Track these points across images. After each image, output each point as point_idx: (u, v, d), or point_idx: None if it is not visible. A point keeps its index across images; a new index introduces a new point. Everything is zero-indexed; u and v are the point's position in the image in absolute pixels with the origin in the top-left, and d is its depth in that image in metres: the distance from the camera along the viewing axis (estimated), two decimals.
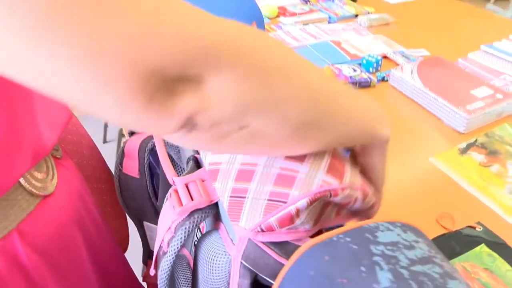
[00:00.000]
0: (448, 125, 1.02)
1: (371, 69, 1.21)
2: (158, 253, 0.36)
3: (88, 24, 0.21)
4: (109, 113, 0.25)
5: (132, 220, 0.55)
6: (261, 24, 0.78)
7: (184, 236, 0.34)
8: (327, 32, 1.46)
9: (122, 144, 0.50)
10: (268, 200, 0.32)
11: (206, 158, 0.37)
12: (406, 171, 0.88)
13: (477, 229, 0.75)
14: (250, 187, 0.33)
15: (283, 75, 0.28)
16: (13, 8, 0.19)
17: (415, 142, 0.97)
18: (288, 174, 0.34)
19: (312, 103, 0.31)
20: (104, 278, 0.54)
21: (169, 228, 0.34)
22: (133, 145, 0.50)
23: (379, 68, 1.23)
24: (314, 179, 0.33)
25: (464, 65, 1.28)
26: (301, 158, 0.34)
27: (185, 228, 0.34)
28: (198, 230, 0.43)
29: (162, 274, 0.36)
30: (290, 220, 0.31)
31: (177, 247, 0.34)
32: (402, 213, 0.78)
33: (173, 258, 0.34)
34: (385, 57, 1.30)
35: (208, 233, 0.39)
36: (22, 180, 0.44)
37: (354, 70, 1.17)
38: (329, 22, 1.58)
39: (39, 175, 0.47)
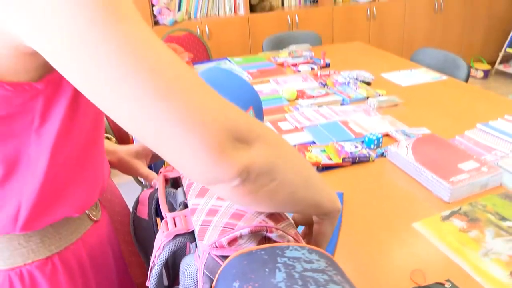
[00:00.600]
0: (436, 196, 1.14)
1: (372, 146, 1.37)
2: (151, 267, 0.52)
3: (195, 101, 0.38)
4: (192, 162, 0.39)
5: (140, 254, 0.72)
6: (258, 109, 0.98)
7: (169, 253, 0.50)
8: (338, 113, 1.65)
9: (138, 195, 0.69)
10: (223, 227, 0.48)
11: (190, 201, 0.55)
12: (390, 233, 1.01)
13: (446, 285, 0.86)
14: (213, 219, 0.50)
15: (288, 152, 0.48)
16: (138, 82, 0.36)
17: (403, 209, 1.10)
18: (240, 213, 0.50)
19: (303, 176, 0.50)
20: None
21: (159, 247, 0.51)
22: (145, 194, 0.69)
23: (380, 145, 1.38)
24: (257, 218, 0.50)
25: (460, 141, 1.41)
26: None
27: (170, 247, 0.50)
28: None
29: (152, 281, 0.52)
30: (235, 240, 0.47)
31: (163, 260, 0.50)
32: (375, 266, 0.90)
33: (159, 268, 0.50)
34: (387, 135, 1.46)
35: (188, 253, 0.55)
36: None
37: (356, 147, 1.34)
38: (342, 104, 1.77)
39: (94, 207, 0.70)
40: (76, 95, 0.54)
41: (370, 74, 2.08)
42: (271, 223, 0.50)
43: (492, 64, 4.55)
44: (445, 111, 1.67)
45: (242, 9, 3.73)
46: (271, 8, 3.81)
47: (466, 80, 2.15)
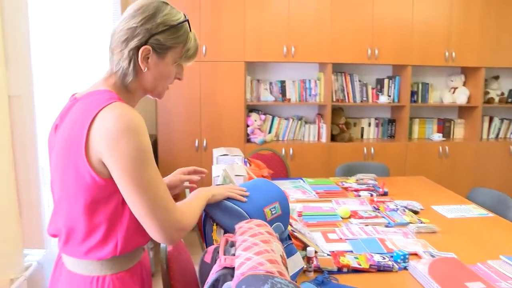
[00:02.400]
0: None
1: (399, 260, 1.66)
2: (206, 283, 0.92)
3: (162, 213, 1.04)
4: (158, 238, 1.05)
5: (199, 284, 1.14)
6: (283, 202, 1.42)
7: (218, 276, 0.90)
8: (379, 232, 1.97)
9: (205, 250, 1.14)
10: (254, 265, 0.89)
11: (237, 253, 0.96)
12: None
13: None
14: (246, 264, 0.91)
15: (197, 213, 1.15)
16: (143, 198, 1.03)
17: None
18: (272, 259, 0.91)
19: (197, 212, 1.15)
20: None
21: (213, 273, 0.91)
22: (210, 248, 1.11)
23: (406, 260, 1.67)
24: (277, 265, 0.90)
25: (480, 268, 1.64)
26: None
27: (218, 273, 0.90)
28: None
29: None
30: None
31: (213, 279, 0.90)
32: None
33: (209, 285, 0.90)
34: (416, 254, 1.75)
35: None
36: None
37: (383, 258, 1.65)
38: (386, 226, 2.09)
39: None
40: None
41: (420, 204, 2.39)
42: (279, 269, 0.89)
43: None
44: (476, 241, 1.90)
45: (324, 137, 4.27)
46: (350, 139, 4.31)
47: None
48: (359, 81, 4.41)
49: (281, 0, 3.95)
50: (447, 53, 4.20)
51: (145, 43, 1.08)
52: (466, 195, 2.80)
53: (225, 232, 1.33)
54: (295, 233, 1.71)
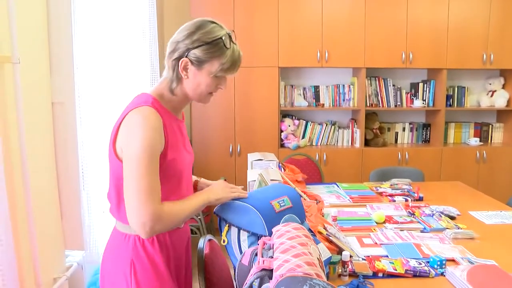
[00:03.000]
0: None
1: (435, 266, 1.65)
2: (244, 284, 0.96)
3: (144, 209, 1.21)
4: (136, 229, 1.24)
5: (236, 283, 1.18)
6: (294, 198, 1.53)
7: (256, 277, 0.93)
8: (415, 237, 1.96)
9: (243, 251, 1.17)
10: (292, 267, 0.92)
11: (275, 255, 1.00)
12: None
13: None
14: (285, 266, 0.94)
15: (183, 216, 1.31)
16: (135, 183, 1.22)
17: None
18: (310, 261, 0.94)
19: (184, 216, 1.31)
20: None
21: (251, 274, 0.94)
22: (248, 250, 1.15)
23: (443, 266, 1.65)
24: (314, 267, 0.93)
25: None
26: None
27: (257, 275, 0.93)
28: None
29: None
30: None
31: (251, 281, 0.93)
32: None
33: (247, 287, 0.93)
34: (453, 260, 1.73)
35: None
36: None
37: (420, 264, 1.64)
38: (421, 231, 2.07)
39: None
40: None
41: (456, 210, 2.35)
42: (316, 271, 0.92)
43: None
44: None
45: (358, 142, 4.25)
46: (384, 144, 4.27)
47: None
48: (393, 85, 4.37)
49: (315, 5, 3.98)
50: (485, 56, 4.10)
51: (185, 55, 1.29)
52: (506, 201, 2.73)
53: (239, 230, 1.43)
54: (330, 237, 1.72)
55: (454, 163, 4.21)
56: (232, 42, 1.33)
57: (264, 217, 1.37)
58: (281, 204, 1.44)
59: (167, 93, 1.35)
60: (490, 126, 4.46)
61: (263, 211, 1.39)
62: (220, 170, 4.07)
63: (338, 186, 2.99)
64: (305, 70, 4.43)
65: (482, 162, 4.21)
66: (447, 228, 2.07)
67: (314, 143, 4.41)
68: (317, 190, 2.86)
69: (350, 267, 1.61)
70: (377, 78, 4.32)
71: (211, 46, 1.28)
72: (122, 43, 2.74)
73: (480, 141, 4.36)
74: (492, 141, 4.48)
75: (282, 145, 4.22)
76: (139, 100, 1.30)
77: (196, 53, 1.28)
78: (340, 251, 1.69)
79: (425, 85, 4.35)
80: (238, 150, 4.09)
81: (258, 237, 1.34)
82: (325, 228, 1.79)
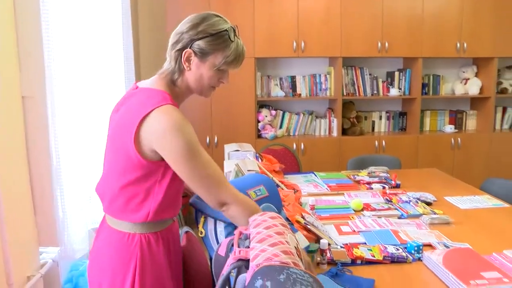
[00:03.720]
0: None
1: (412, 251, 1.66)
2: (221, 276, 0.94)
3: (212, 186, 1.25)
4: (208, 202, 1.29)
5: (213, 276, 1.16)
6: (270, 186, 1.55)
7: (232, 268, 0.91)
8: (392, 224, 1.97)
9: (220, 242, 1.15)
10: (269, 256, 0.90)
11: (251, 245, 0.97)
12: None
13: None
14: (262, 255, 0.92)
15: (246, 207, 1.29)
16: (198, 179, 1.25)
17: None
18: (287, 250, 0.92)
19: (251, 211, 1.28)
20: None
21: (227, 265, 0.92)
22: (225, 241, 1.13)
23: (420, 252, 1.67)
24: (291, 256, 0.91)
25: (496, 257, 1.63)
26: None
27: (233, 265, 0.91)
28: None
29: (220, 283, 0.93)
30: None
31: (228, 272, 0.91)
32: None
33: (225, 276, 0.91)
34: (430, 245, 1.74)
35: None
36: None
37: (397, 250, 1.65)
38: (399, 218, 2.09)
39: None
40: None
41: (432, 196, 2.38)
42: (294, 260, 0.90)
43: None
44: (491, 232, 1.89)
45: (335, 131, 4.26)
46: (361, 133, 4.29)
47: None
48: (370, 74, 4.39)
49: None
50: (458, 44, 4.16)
51: (188, 46, 1.28)
52: (479, 186, 2.78)
53: (215, 221, 1.44)
54: (308, 226, 1.72)
55: (430, 151, 4.27)
56: (236, 36, 1.33)
57: None
58: (257, 193, 1.43)
59: (172, 86, 1.34)
60: (465, 113, 4.54)
61: None
62: None
63: (315, 175, 2.99)
64: (282, 61, 4.41)
65: (457, 149, 4.28)
66: (424, 214, 2.09)
67: (291, 133, 4.40)
68: (295, 179, 2.85)
69: (328, 255, 1.61)
70: (353, 68, 4.34)
71: (216, 38, 1.27)
72: (96, 38, 2.66)
73: (455, 128, 4.44)
74: (466, 128, 4.56)
75: (259, 136, 4.20)
76: (157, 97, 1.24)
77: (200, 44, 1.27)
78: (318, 239, 1.68)
79: (401, 73, 4.39)
80: (215, 141, 4.05)
81: (235, 227, 1.32)
82: (303, 217, 1.78)
